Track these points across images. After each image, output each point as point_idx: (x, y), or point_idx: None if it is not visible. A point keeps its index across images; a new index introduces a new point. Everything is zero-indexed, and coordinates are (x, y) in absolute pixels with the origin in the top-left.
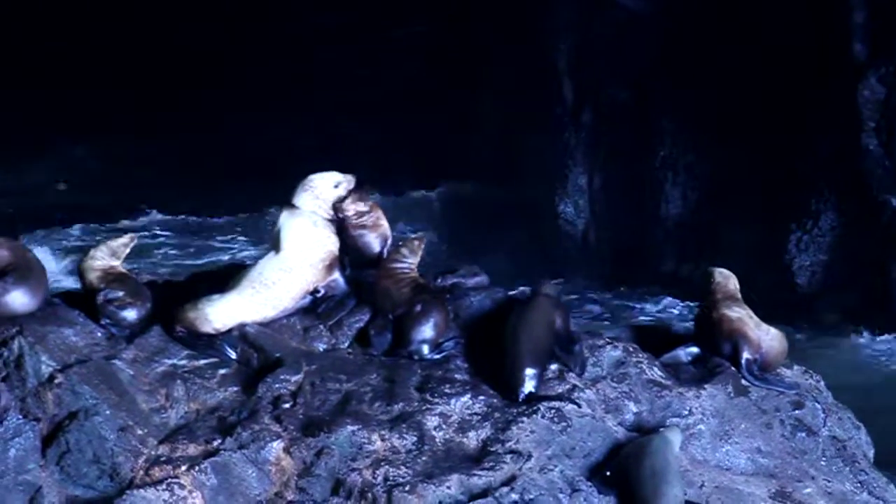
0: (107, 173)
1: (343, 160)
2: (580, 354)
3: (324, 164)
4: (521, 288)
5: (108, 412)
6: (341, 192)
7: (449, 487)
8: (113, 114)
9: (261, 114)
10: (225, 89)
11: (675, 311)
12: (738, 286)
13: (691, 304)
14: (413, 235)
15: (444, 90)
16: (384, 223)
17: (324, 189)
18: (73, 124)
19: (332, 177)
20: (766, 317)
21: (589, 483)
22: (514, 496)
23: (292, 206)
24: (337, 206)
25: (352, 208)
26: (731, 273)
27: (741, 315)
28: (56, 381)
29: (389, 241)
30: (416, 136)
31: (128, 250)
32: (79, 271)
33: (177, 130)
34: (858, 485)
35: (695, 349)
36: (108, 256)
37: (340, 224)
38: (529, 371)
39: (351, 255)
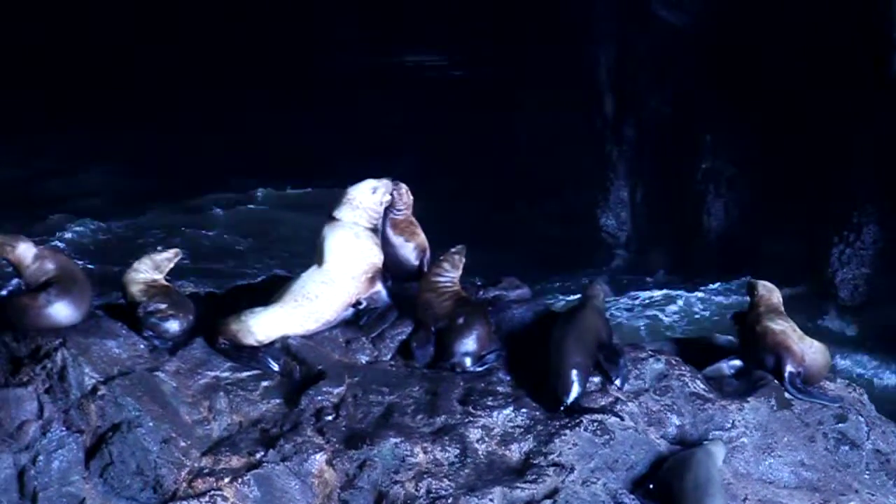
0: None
1: (381, 168)
2: (624, 367)
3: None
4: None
5: (151, 424)
6: (380, 196)
7: (492, 500)
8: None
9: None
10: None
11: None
12: (781, 299)
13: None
14: (453, 249)
15: (485, 103)
16: (421, 234)
17: (362, 198)
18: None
19: (368, 184)
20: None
21: (632, 496)
22: None
23: (333, 219)
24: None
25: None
26: (774, 286)
27: (784, 328)
28: (99, 392)
29: (427, 253)
30: (453, 147)
31: (171, 265)
32: (121, 284)
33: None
34: None
35: (738, 362)
36: (152, 270)
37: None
38: (574, 380)
39: (390, 269)
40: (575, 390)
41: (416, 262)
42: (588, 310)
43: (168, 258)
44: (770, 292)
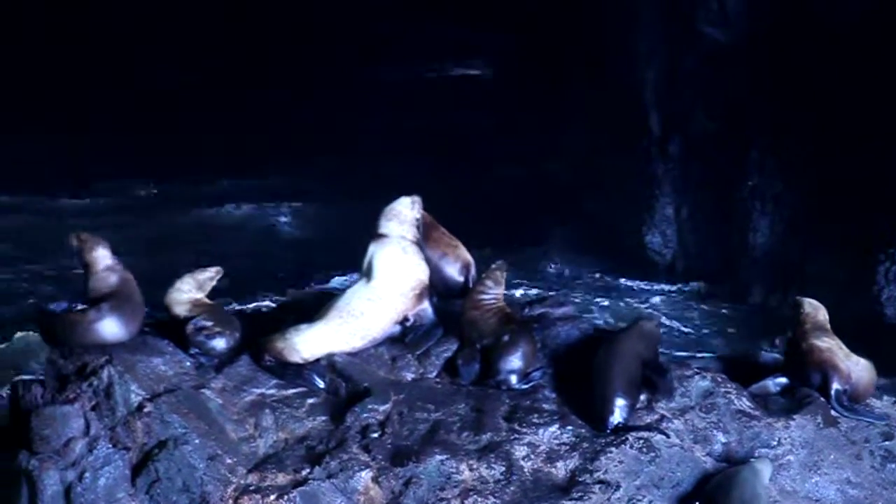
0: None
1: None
2: (670, 382)
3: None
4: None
5: (197, 441)
6: (417, 210)
7: None
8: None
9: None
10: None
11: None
12: (827, 317)
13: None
14: (494, 265)
15: (532, 120)
16: (461, 248)
17: (406, 211)
18: None
19: (405, 199)
20: (854, 348)
21: None
22: None
23: (380, 236)
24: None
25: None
26: (820, 304)
27: (831, 345)
28: (145, 409)
29: (472, 270)
30: (499, 164)
31: (214, 283)
32: (165, 304)
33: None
34: None
35: (783, 379)
36: (195, 289)
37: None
38: (620, 402)
39: (434, 286)
40: (618, 415)
41: (461, 279)
42: (633, 332)
43: (210, 277)
44: (816, 310)
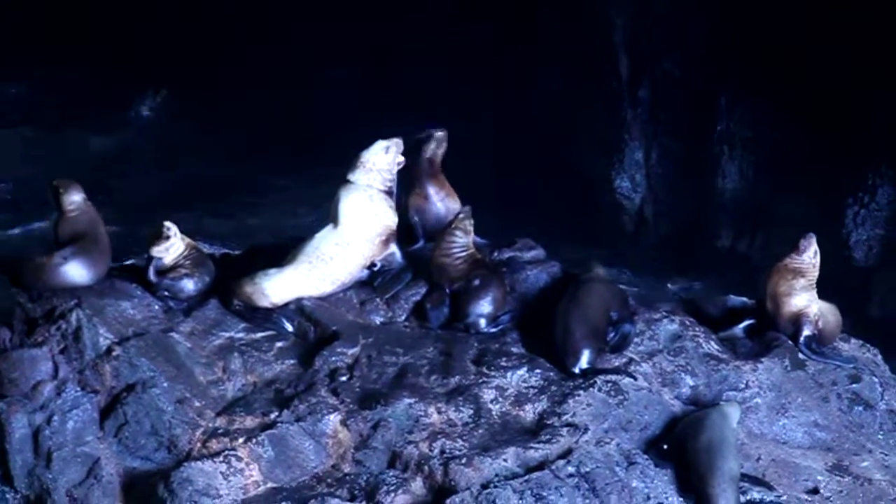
0: None
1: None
2: (627, 335)
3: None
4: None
5: (165, 384)
6: (393, 156)
7: (505, 460)
8: None
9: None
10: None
11: None
12: (817, 272)
13: None
14: (461, 214)
15: (500, 66)
16: (455, 194)
17: (375, 160)
18: None
19: (379, 145)
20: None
21: (645, 456)
22: (571, 469)
23: (347, 182)
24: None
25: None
26: (819, 261)
27: (809, 302)
28: (114, 353)
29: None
30: (468, 110)
31: (177, 236)
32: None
33: None
34: None
35: (751, 321)
36: (177, 247)
37: (421, 192)
38: (584, 347)
39: (428, 221)
40: (584, 361)
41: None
42: (593, 281)
43: (173, 237)
44: (815, 268)
